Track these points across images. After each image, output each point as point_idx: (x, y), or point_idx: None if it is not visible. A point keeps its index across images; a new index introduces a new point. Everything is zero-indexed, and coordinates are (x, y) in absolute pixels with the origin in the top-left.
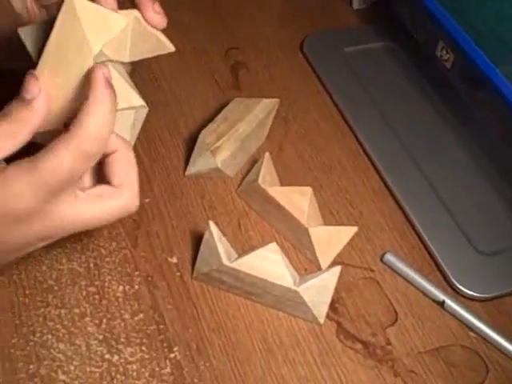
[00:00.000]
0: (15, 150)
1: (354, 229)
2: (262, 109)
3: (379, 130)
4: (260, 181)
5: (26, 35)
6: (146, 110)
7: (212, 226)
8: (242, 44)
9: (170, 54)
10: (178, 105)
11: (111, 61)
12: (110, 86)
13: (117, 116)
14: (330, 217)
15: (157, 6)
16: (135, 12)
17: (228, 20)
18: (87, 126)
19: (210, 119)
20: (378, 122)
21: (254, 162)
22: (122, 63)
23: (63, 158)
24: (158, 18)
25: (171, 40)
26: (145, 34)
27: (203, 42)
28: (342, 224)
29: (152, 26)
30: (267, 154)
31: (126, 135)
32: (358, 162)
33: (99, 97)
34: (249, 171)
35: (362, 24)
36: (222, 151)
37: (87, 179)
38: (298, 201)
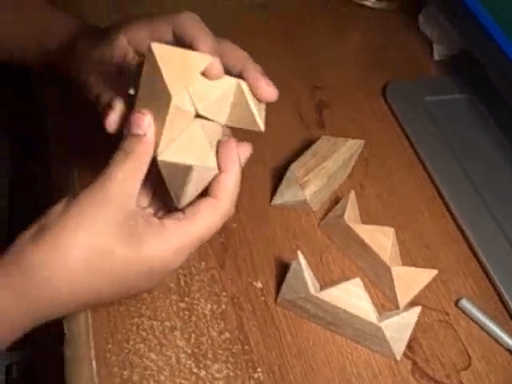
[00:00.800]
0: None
1: (434, 271)
2: (348, 148)
3: (457, 180)
4: (346, 217)
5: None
6: (216, 172)
7: (300, 256)
8: (326, 84)
9: None
10: (265, 138)
11: (208, 119)
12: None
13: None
14: (407, 258)
15: (267, 79)
16: (241, 81)
17: (313, 60)
18: (227, 198)
19: (296, 153)
20: (456, 171)
21: (336, 197)
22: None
23: (212, 221)
24: (270, 89)
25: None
26: (243, 106)
27: (290, 79)
28: (419, 266)
29: (262, 98)
30: (353, 193)
31: (199, 189)
32: (434, 207)
33: (235, 172)
34: (331, 206)
35: (441, 74)
36: (310, 185)
37: (143, 199)
38: (381, 240)
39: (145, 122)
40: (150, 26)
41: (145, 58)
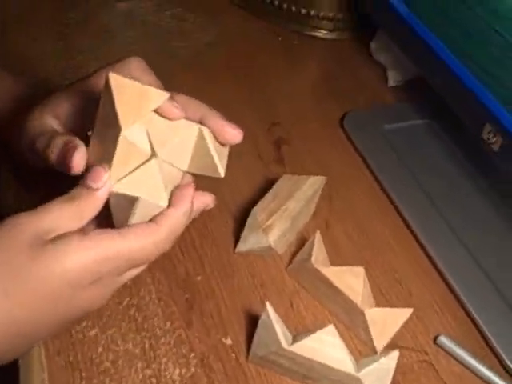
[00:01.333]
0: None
1: (410, 310)
2: (310, 186)
3: (423, 208)
4: (313, 261)
5: None
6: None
7: (269, 307)
8: (283, 119)
9: None
10: (225, 181)
11: (170, 164)
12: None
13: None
14: (380, 296)
15: (230, 122)
16: (202, 127)
17: (269, 96)
18: (166, 227)
19: (257, 195)
20: (421, 199)
21: (301, 238)
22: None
23: (144, 243)
24: (235, 132)
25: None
26: (204, 152)
27: (246, 118)
28: (393, 304)
29: (228, 141)
30: (318, 234)
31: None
32: (404, 240)
33: (183, 210)
34: (297, 248)
35: (398, 101)
36: (273, 229)
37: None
38: (352, 281)
39: (103, 178)
40: (69, 96)
41: (103, 89)
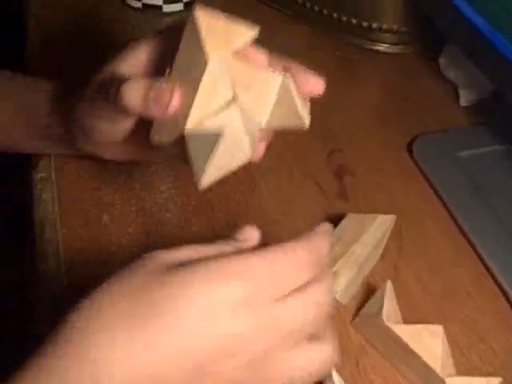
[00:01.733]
0: None
1: (498, 380)
2: (379, 227)
3: (506, 250)
4: (384, 317)
5: None
6: (248, 157)
7: (335, 374)
8: (344, 145)
9: (268, 156)
10: (281, 216)
11: (247, 114)
12: None
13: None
14: (460, 355)
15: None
16: (287, 77)
17: (328, 118)
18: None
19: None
20: (503, 239)
21: (367, 284)
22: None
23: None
24: (318, 81)
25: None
26: (287, 102)
27: (304, 144)
28: (475, 366)
29: (311, 91)
30: (389, 284)
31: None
32: (483, 284)
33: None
34: (363, 297)
35: (471, 122)
36: (339, 278)
37: None
38: (429, 342)
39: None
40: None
41: (186, 26)
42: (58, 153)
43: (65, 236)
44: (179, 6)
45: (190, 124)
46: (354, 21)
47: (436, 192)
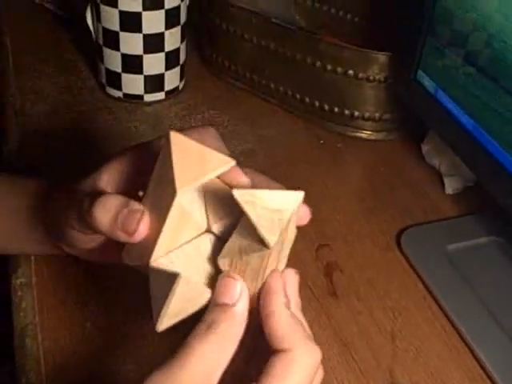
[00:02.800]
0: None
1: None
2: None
3: (504, 352)
4: None
5: None
6: (208, 297)
7: None
8: (331, 239)
9: None
10: None
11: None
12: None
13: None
14: None
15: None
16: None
17: (313, 212)
18: None
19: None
20: (500, 340)
21: None
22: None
23: None
24: (306, 211)
25: None
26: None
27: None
28: None
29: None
30: None
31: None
32: None
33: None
34: None
35: (458, 211)
36: None
37: None
38: None
39: (236, 288)
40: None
41: (162, 148)
42: (43, 253)
43: (46, 349)
44: (161, 95)
45: (155, 257)
46: (336, 109)
47: (427, 288)
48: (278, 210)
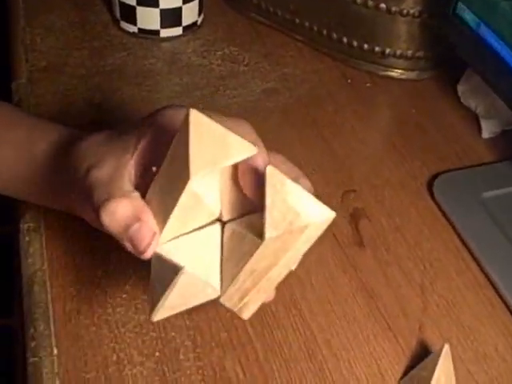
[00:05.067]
0: None
1: None
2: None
3: None
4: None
5: None
6: (215, 296)
7: None
8: (358, 185)
9: None
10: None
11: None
12: None
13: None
14: None
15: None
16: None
17: (339, 155)
18: None
19: (334, 288)
20: None
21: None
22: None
23: None
24: None
25: None
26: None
27: (313, 183)
28: None
29: None
30: (446, 348)
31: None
32: None
33: None
34: (413, 356)
35: (495, 156)
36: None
37: None
38: None
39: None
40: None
41: (181, 125)
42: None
43: (54, 296)
44: (178, 31)
45: (161, 241)
46: (365, 46)
47: (461, 238)
48: (297, 212)
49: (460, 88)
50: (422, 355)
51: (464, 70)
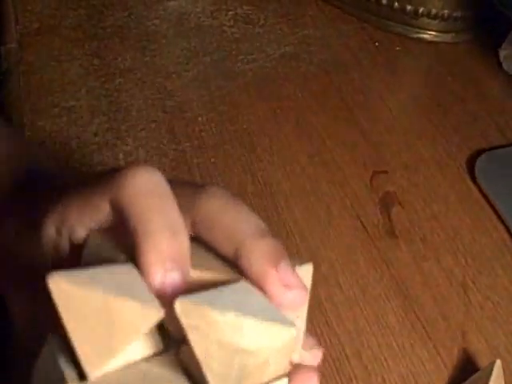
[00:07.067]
0: None
1: None
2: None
3: None
4: None
5: None
6: None
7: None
8: (390, 165)
9: (297, 184)
10: (314, 259)
11: None
12: None
13: None
14: None
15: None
16: None
17: (367, 131)
18: None
19: (362, 284)
20: None
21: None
22: None
23: None
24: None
25: None
26: None
27: (339, 164)
28: None
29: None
30: (498, 364)
31: None
32: None
33: None
34: (461, 367)
35: None
36: None
37: None
38: None
39: None
40: (82, 201)
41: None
42: None
43: None
44: None
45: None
46: (396, 4)
47: (507, 228)
48: (245, 350)
49: (502, 52)
50: (468, 369)
51: (507, 33)
